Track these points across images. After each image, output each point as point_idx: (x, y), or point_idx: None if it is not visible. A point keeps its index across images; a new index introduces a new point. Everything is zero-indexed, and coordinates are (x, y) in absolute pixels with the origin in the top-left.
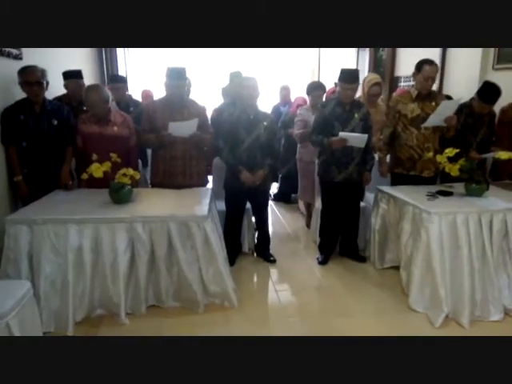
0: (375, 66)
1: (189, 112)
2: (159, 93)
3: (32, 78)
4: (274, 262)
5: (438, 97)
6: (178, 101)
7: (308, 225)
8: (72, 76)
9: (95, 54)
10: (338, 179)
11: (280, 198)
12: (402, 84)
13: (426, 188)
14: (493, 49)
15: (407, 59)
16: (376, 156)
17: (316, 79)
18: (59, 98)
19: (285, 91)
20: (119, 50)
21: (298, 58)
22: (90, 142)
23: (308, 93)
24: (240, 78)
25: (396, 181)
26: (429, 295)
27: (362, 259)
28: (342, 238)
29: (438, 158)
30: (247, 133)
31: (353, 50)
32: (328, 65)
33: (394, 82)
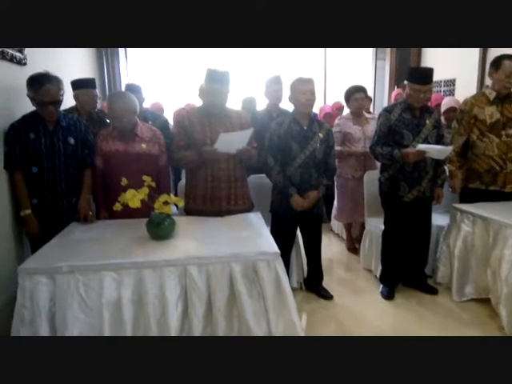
0: (398, 76)
1: (231, 122)
2: (169, 105)
3: (48, 98)
4: (330, 298)
5: None
6: (218, 110)
7: (350, 249)
8: (84, 85)
9: (95, 62)
10: (408, 198)
11: None
12: None
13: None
14: None
15: (434, 64)
16: (446, 169)
17: (322, 92)
18: (66, 112)
19: None
20: (121, 60)
21: (302, 68)
22: (112, 163)
23: (347, 98)
24: (278, 85)
25: (469, 197)
26: None
27: (433, 291)
28: (407, 266)
29: None
30: (300, 148)
31: (369, 60)
32: (336, 76)
33: None
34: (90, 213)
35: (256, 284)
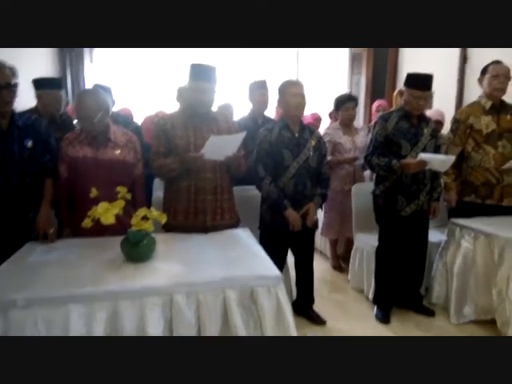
0: (374, 92)
1: (218, 126)
2: (137, 112)
3: (0, 79)
4: (323, 323)
5: None
6: (206, 109)
7: (335, 267)
8: (49, 85)
9: (57, 65)
10: (406, 212)
11: None
12: None
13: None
14: None
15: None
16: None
17: None
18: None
19: None
20: (86, 63)
21: (273, 77)
22: (79, 171)
23: (337, 107)
24: (264, 90)
25: (464, 211)
26: None
27: (430, 312)
28: (402, 286)
29: None
30: (293, 156)
31: (345, 75)
32: (308, 88)
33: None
34: (51, 230)
35: (253, 314)
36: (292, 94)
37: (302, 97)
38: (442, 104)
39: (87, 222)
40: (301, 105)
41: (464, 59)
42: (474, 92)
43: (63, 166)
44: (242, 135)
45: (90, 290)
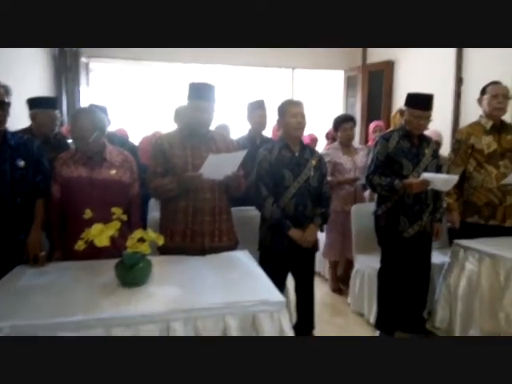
0: (369, 114)
1: (217, 146)
2: (133, 131)
3: None
4: None
5: None
6: (205, 128)
7: (335, 289)
8: (44, 105)
9: (53, 86)
10: (409, 234)
11: None
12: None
13: None
14: None
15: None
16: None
17: None
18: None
19: None
20: (82, 85)
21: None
22: (73, 192)
23: (336, 127)
24: (262, 110)
25: (466, 232)
26: None
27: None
28: (405, 309)
29: None
30: (294, 176)
31: (340, 97)
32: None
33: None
34: (42, 253)
35: None
36: (292, 113)
37: (303, 116)
38: (438, 126)
39: (80, 245)
40: (301, 125)
41: (459, 81)
42: (470, 113)
43: (56, 186)
44: (242, 153)
45: (83, 317)
